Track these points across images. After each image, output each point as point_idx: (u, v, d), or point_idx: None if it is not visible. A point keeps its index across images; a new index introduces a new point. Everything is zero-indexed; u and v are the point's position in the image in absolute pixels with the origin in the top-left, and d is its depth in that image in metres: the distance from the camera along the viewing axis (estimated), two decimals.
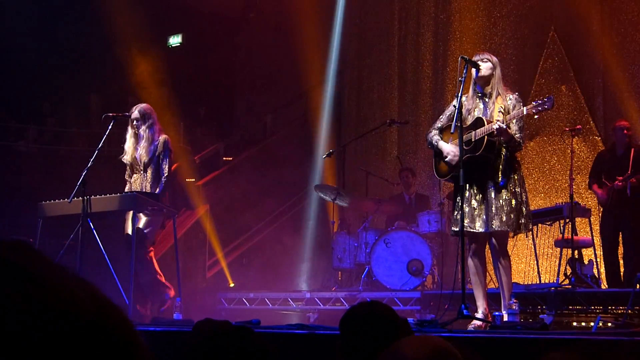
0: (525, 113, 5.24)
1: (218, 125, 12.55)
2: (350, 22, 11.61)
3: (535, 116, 5.30)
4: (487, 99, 5.49)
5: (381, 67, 11.15)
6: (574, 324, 6.42)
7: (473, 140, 5.36)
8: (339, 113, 11.44)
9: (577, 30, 9.28)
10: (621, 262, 7.67)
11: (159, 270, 6.76)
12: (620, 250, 7.73)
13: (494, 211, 5.29)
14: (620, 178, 7.48)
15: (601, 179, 7.70)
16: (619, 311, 6.33)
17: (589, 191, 8.14)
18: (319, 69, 11.21)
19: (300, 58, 10.95)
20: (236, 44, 12.92)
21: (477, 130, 5.34)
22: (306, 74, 11.15)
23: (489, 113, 5.43)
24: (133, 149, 6.79)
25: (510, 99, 5.45)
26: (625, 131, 7.73)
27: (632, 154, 7.61)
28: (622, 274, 7.56)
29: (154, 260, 6.76)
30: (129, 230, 6.58)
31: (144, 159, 6.72)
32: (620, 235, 7.69)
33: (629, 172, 7.49)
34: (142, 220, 6.60)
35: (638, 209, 7.59)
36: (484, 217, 5.34)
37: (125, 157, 6.84)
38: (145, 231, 6.60)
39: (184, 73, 12.21)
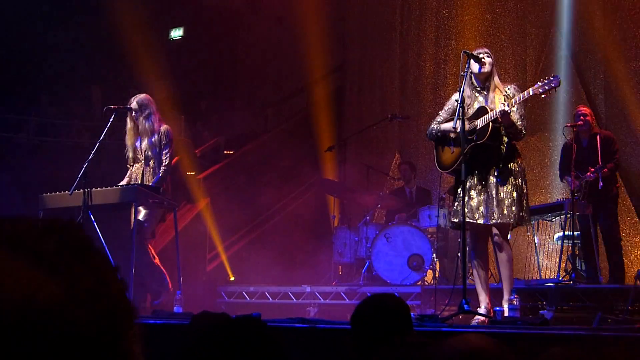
0: (531, 93, 5.22)
1: (219, 118, 12.54)
2: (353, 16, 11.59)
3: (543, 95, 5.27)
4: (485, 92, 5.50)
5: (382, 62, 11.12)
6: (574, 319, 6.41)
7: (477, 128, 5.34)
8: (340, 107, 11.42)
9: (579, 26, 9.26)
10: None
11: (156, 257, 6.75)
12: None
13: (495, 203, 5.29)
14: (592, 169, 7.23)
15: (570, 171, 7.43)
16: (620, 307, 6.33)
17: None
18: (320, 63, 11.18)
19: (302, 52, 10.93)
20: (238, 37, 12.89)
21: (481, 118, 5.33)
22: (307, 68, 11.12)
23: (489, 104, 5.43)
24: (132, 141, 6.78)
25: (509, 89, 5.47)
26: (581, 117, 7.47)
27: (598, 142, 7.40)
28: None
29: (152, 250, 6.75)
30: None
31: (146, 150, 6.70)
32: (598, 228, 7.58)
33: (600, 163, 7.23)
34: (142, 212, 6.60)
35: (610, 198, 7.45)
36: (484, 209, 5.33)
37: (126, 149, 6.84)
38: (145, 224, 6.60)
39: (186, 66, 12.20)
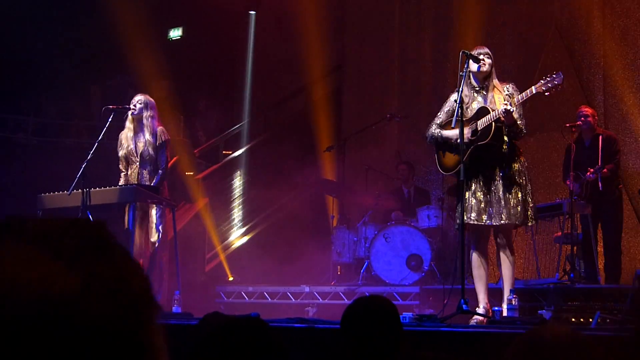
0: (534, 92, 5.23)
1: (218, 118, 12.53)
2: (351, 16, 11.59)
3: (546, 93, 5.26)
4: (484, 92, 5.51)
5: (381, 61, 11.12)
6: (573, 319, 6.40)
7: (479, 129, 5.35)
8: (339, 107, 11.42)
9: (578, 26, 9.25)
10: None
11: (165, 272, 6.80)
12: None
13: (502, 204, 5.29)
14: (592, 170, 7.26)
15: (576, 170, 7.46)
16: (618, 307, 6.33)
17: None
18: (319, 63, 11.18)
19: (301, 52, 10.92)
20: (237, 37, 12.88)
21: (483, 119, 5.33)
22: (306, 68, 11.12)
23: (488, 104, 5.44)
24: (130, 139, 6.77)
25: (507, 89, 5.48)
26: (582, 118, 7.51)
27: (600, 143, 7.41)
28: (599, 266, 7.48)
29: (161, 258, 6.78)
30: (127, 224, 6.58)
31: (143, 151, 6.70)
32: (600, 227, 7.60)
33: (600, 163, 7.26)
34: (161, 226, 6.64)
35: (611, 200, 7.47)
36: (490, 209, 5.34)
37: (120, 148, 6.83)
38: (160, 240, 6.64)
39: (184, 66, 12.18)
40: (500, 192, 5.31)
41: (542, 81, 5.21)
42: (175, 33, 12.87)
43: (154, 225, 6.66)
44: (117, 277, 0.71)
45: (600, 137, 7.50)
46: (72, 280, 0.68)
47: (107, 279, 0.70)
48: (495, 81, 5.53)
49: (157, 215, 6.65)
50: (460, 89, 5.34)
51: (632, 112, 8.66)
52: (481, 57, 5.45)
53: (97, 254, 0.71)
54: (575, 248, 7.56)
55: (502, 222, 5.30)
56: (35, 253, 0.68)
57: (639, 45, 8.91)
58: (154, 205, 6.66)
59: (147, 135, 6.71)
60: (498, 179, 5.35)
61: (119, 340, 0.69)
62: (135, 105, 6.73)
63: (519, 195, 5.33)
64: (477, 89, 5.53)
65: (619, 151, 7.63)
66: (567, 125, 7.80)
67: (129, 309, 0.71)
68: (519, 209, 5.30)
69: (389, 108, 10.37)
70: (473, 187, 5.41)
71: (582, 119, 7.55)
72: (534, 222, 5.57)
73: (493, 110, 5.29)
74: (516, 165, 5.40)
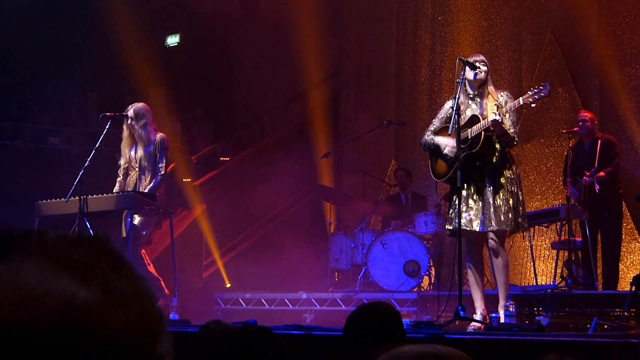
0: (522, 103, 5.27)
1: (215, 125, 12.54)
2: (349, 23, 11.62)
3: (533, 105, 5.33)
4: (478, 99, 5.53)
5: (378, 68, 11.14)
6: (571, 326, 6.41)
7: (469, 137, 5.37)
8: (337, 114, 11.43)
9: (575, 32, 9.28)
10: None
11: (150, 264, 6.74)
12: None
13: (492, 210, 5.31)
14: (588, 173, 7.25)
15: (574, 175, 7.47)
16: (616, 313, 6.34)
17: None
18: (317, 69, 11.20)
19: (299, 58, 10.94)
20: (234, 43, 12.90)
21: (473, 127, 5.36)
22: (304, 74, 11.13)
23: (482, 111, 5.46)
24: (128, 148, 6.78)
25: (501, 96, 5.51)
26: (580, 123, 7.54)
27: (598, 146, 7.43)
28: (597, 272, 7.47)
29: (146, 257, 6.74)
30: (125, 232, 6.57)
31: (141, 159, 6.70)
32: (599, 233, 7.57)
33: (596, 166, 7.26)
34: (137, 218, 6.59)
35: (611, 205, 7.45)
36: (481, 216, 5.35)
37: (120, 156, 6.84)
38: (142, 232, 6.59)
39: (182, 72, 12.20)
40: (491, 200, 5.33)
41: (530, 93, 5.27)
42: (173, 40, 12.89)
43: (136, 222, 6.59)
44: (131, 288, 0.71)
45: (599, 141, 7.51)
46: (93, 291, 0.67)
47: (123, 289, 0.70)
48: (491, 88, 5.55)
49: (142, 218, 6.61)
50: (457, 97, 5.36)
51: (628, 118, 8.67)
52: (477, 64, 5.47)
53: (108, 264, 0.71)
54: (572, 254, 7.56)
55: (493, 228, 5.31)
56: (48, 266, 0.67)
57: (635, 51, 8.94)
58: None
59: (144, 144, 6.71)
60: (489, 186, 5.37)
61: (133, 353, 0.68)
62: (128, 114, 6.74)
63: (510, 202, 5.34)
64: (471, 96, 5.55)
65: (618, 154, 7.61)
66: (564, 131, 7.82)
67: (144, 319, 0.70)
68: (510, 215, 5.32)
69: (386, 115, 10.39)
70: (464, 194, 5.43)
71: (580, 123, 7.57)
72: (524, 230, 5.60)
73: (484, 119, 5.31)
74: (507, 173, 5.41)
